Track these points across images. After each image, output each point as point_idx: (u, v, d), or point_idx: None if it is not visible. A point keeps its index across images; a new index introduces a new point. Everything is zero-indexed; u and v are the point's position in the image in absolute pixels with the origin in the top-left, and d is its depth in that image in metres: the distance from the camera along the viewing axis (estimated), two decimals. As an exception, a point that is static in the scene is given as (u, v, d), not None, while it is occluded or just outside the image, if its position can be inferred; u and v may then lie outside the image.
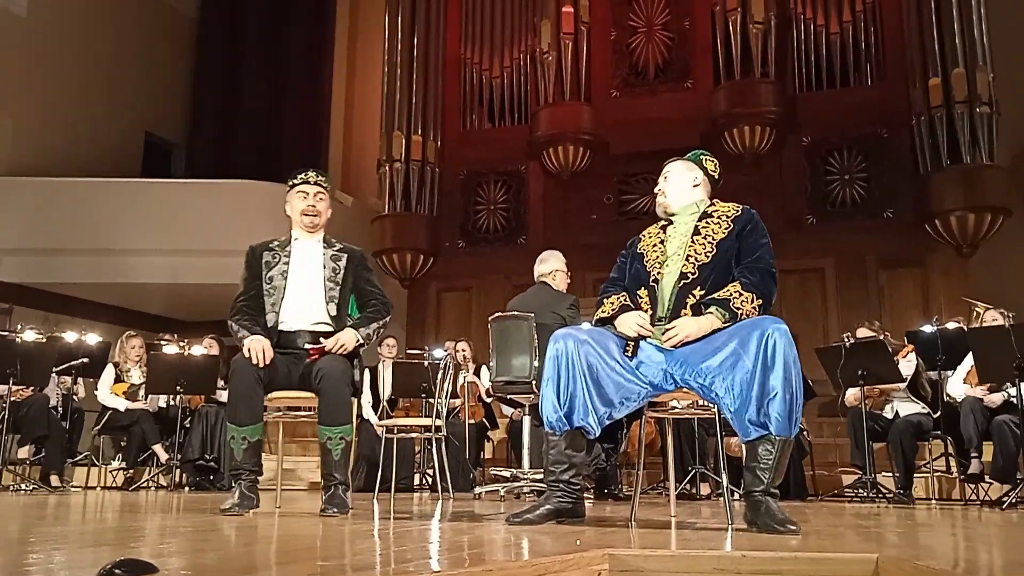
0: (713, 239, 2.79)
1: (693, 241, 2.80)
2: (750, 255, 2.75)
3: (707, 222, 2.84)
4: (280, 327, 3.34)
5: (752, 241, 2.78)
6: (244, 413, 3.17)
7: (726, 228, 2.81)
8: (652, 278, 2.83)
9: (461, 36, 10.34)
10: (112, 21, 10.97)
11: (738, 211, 2.86)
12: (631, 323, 2.72)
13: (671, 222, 2.94)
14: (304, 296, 3.39)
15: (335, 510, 3.14)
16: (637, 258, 2.93)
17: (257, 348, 3.18)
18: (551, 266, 5.25)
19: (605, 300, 2.89)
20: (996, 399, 4.97)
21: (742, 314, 2.62)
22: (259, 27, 12.24)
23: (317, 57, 12.05)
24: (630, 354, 2.71)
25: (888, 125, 8.71)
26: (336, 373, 3.21)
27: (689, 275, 2.75)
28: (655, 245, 2.90)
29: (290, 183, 3.53)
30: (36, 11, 10.07)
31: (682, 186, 2.92)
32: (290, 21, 12.17)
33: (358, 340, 3.33)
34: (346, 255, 3.51)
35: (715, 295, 2.67)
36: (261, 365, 3.18)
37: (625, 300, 2.84)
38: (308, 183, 3.49)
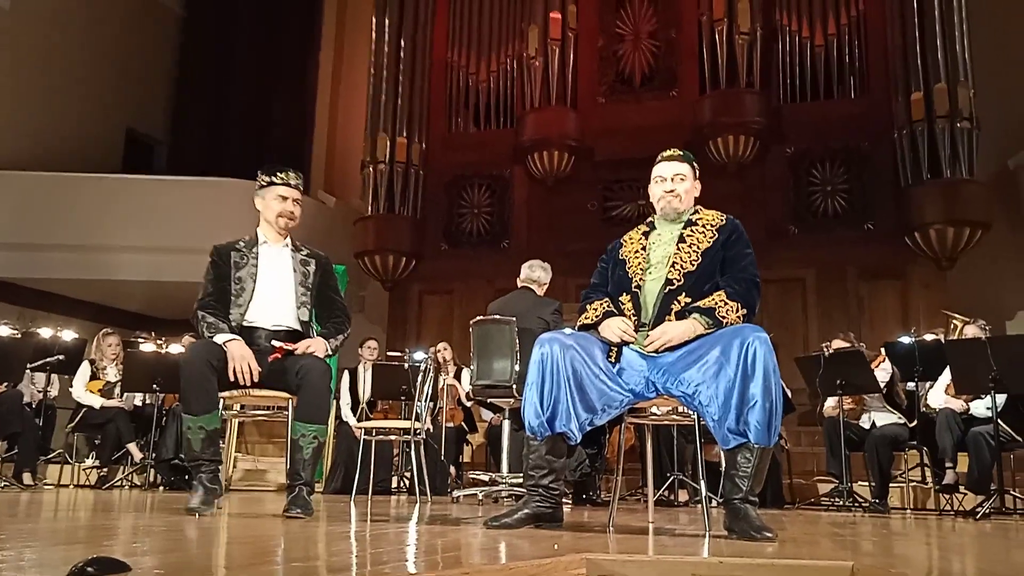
0: (698, 247, 2.80)
1: (679, 249, 2.81)
2: (735, 265, 2.77)
3: (692, 230, 2.85)
4: (244, 324, 3.26)
5: (737, 251, 2.80)
6: (197, 402, 3.06)
7: (711, 237, 2.82)
8: (635, 284, 2.83)
9: (448, 39, 10.32)
10: (96, 15, 10.87)
11: (722, 220, 2.88)
12: (614, 328, 2.73)
13: (654, 227, 2.95)
14: (273, 298, 3.32)
15: (299, 510, 3.02)
16: (619, 264, 2.92)
17: (243, 366, 3.06)
18: (537, 275, 5.28)
19: (588, 306, 2.88)
20: (979, 406, 4.96)
21: (727, 323, 2.63)
22: (246, 25, 12.17)
23: (303, 57, 12.00)
24: (613, 360, 2.72)
25: (870, 138, 8.79)
26: (319, 371, 3.14)
27: (675, 282, 2.76)
28: (637, 251, 2.90)
29: (266, 179, 3.39)
30: (19, 3, 9.96)
31: (692, 193, 2.95)
32: (278, 20, 12.12)
33: (327, 351, 3.27)
34: (314, 260, 3.44)
35: (700, 303, 2.68)
36: (246, 384, 3.09)
37: (608, 306, 2.83)
38: (289, 185, 3.38)
